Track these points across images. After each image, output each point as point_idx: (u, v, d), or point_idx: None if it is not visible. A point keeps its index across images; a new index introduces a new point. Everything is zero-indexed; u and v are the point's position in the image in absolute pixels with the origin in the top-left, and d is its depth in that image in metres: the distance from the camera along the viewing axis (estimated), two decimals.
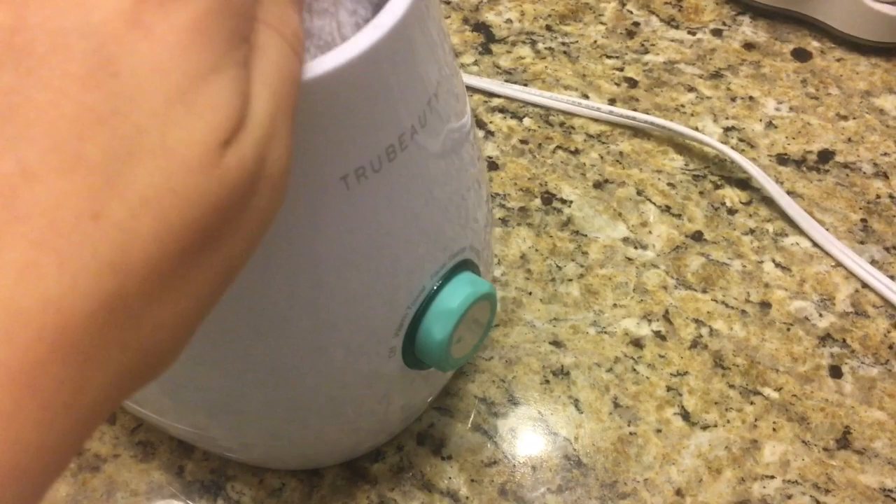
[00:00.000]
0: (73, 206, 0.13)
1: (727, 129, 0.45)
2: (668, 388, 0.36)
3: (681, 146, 0.44)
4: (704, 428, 0.35)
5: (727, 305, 0.38)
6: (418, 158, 0.25)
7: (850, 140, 0.44)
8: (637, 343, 0.37)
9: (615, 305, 0.38)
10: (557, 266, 0.40)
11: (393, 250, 0.25)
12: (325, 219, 0.23)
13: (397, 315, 0.26)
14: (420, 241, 0.26)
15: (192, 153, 0.14)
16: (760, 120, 0.45)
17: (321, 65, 0.20)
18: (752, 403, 0.35)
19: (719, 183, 0.43)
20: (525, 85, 0.47)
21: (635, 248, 0.41)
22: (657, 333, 0.38)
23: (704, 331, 0.38)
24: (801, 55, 0.49)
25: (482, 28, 0.50)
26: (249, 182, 0.15)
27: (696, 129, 0.45)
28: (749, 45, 0.49)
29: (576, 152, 0.44)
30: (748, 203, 0.42)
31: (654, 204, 0.42)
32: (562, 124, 0.46)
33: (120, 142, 0.14)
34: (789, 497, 0.33)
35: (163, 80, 0.14)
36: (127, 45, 0.14)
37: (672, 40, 0.50)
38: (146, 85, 0.14)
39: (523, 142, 0.45)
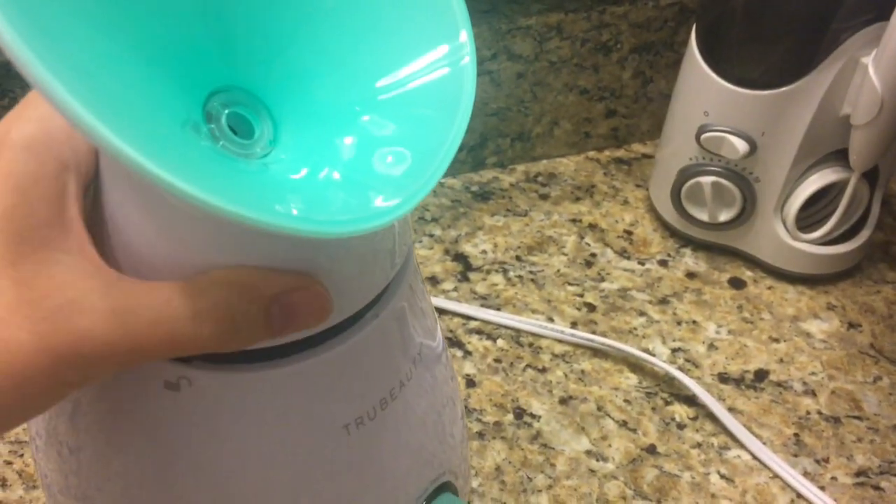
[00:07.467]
0: None
1: (674, 350, 0.52)
2: None
3: (634, 365, 0.51)
4: None
5: None
6: (405, 405, 0.30)
7: (781, 360, 0.51)
8: None
9: None
10: (528, 477, 0.45)
11: (385, 482, 0.31)
12: (328, 460, 0.28)
13: None
14: (407, 472, 0.32)
15: None
16: (703, 342, 0.52)
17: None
18: None
19: (669, 399, 0.49)
20: (498, 309, 0.54)
21: (597, 460, 0.46)
22: None
23: None
24: (736, 283, 0.56)
25: (461, 258, 0.58)
26: None
27: (647, 350, 0.51)
28: (691, 274, 0.57)
29: (543, 370, 0.50)
30: (695, 418, 0.48)
31: (613, 419, 0.48)
32: (531, 345, 0.52)
33: None
34: None
35: None
36: None
37: (625, 269, 0.57)
38: None
39: (497, 361, 0.51)
